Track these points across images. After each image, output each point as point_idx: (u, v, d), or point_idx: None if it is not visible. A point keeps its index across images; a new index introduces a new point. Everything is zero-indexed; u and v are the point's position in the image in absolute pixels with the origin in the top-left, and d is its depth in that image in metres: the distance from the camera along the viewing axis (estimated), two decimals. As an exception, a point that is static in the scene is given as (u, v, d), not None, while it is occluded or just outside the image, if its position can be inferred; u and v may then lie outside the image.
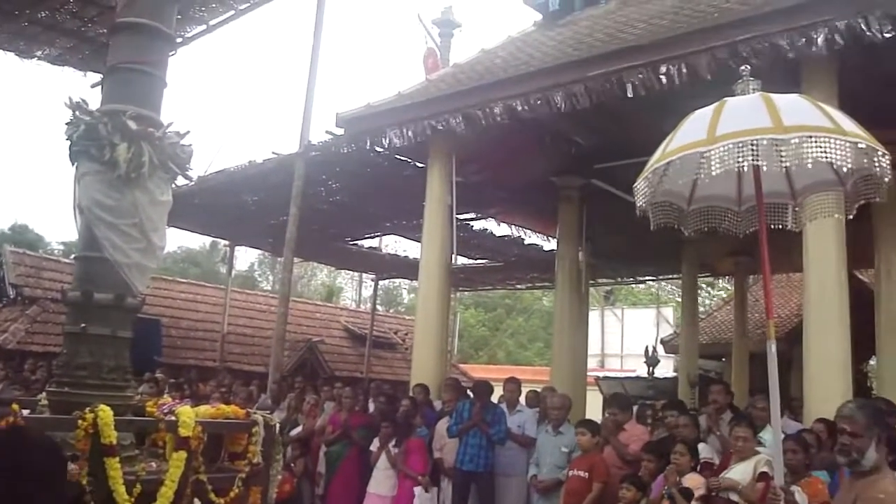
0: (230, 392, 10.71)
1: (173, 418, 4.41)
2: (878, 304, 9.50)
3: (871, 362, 12.22)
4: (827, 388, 6.78)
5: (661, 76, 7.34)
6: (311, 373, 17.20)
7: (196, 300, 19.64)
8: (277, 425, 5.11)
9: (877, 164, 3.53)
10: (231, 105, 69.96)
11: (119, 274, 4.93)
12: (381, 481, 8.73)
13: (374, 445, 8.83)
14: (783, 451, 4.84)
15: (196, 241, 39.88)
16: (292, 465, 9.08)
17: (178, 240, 40.72)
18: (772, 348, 4.01)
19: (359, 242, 17.59)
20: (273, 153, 12.26)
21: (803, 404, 7.28)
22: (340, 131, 10.55)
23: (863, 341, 9.88)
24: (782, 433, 5.11)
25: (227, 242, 18.24)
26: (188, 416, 4.41)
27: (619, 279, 21.26)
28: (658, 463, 6.58)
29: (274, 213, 13.89)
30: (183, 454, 4.30)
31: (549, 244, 15.37)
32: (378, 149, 10.47)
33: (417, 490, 8.44)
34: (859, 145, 3.43)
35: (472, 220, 14.65)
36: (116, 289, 4.91)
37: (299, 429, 9.42)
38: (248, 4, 10.82)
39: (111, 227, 4.92)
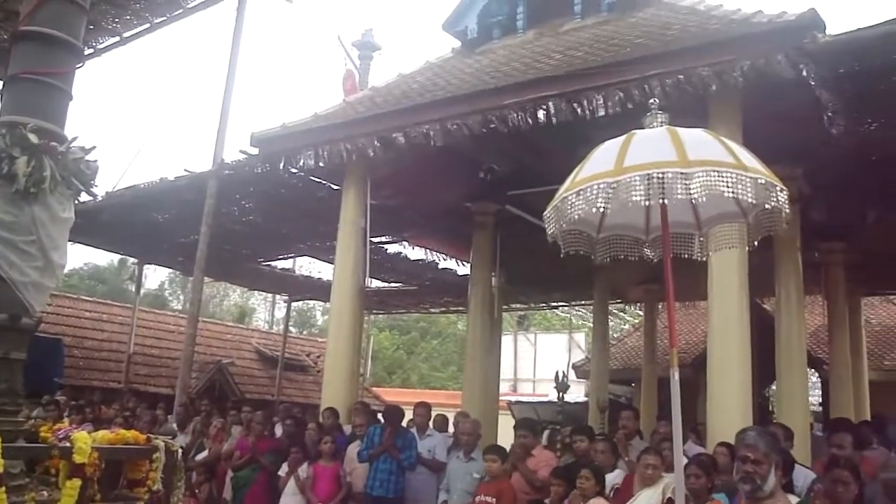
0: (134, 415, 10.38)
1: (68, 444, 4.23)
2: (779, 331, 9.83)
3: (773, 387, 12.67)
4: (729, 412, 6.96)
5: (575, 106, 7.48)
6: (220, 395, 16.81)
7: (102, 319, 19.01)
8: (180, 450, 4.95)
9: (776, 199, 3.66)
10: (145, 121, 68.43)
11: (14, 293, 4.72)
12: (289, 507, 8.57)
13: (283, 470, 8.66)
14: (686, 475, 4.97)
15: (104, 258, 38.81)
16: (197, 490, 8.84)
17: (85, 256, 39.59)
18: (675, 376, 4.11)
19: (272, 263, 17.37)
20: (185, 170, 12.02)
21: (705, 426, 7.48)
22: (255, 151, 10.40)
23: (764, 367, 10.23)
24: (685, 458, 5.25)
25: (135, 260, 17.75)
26: (84, 441, 4.23)
27: (532, 304, 21.54)
28: (566, 487, 6.64)
29: (185, 231, 13.62)
30: (77, 482, 4.12)
31: (464, 269, 15.47)
32: (293, 170, 10.39)
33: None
34: (759, 181, 3.56)
35: (386, 243, 14.64)
36: (11, 308, 4.70)
37: (205, 453, 9.18)
38: (164, 19, 10.65)
39: (7, 244, 4.71)
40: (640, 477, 5.88)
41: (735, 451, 6.14)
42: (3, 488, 3.83)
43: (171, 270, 29.76)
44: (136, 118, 67.11)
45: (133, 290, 18.79)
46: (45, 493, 4.37)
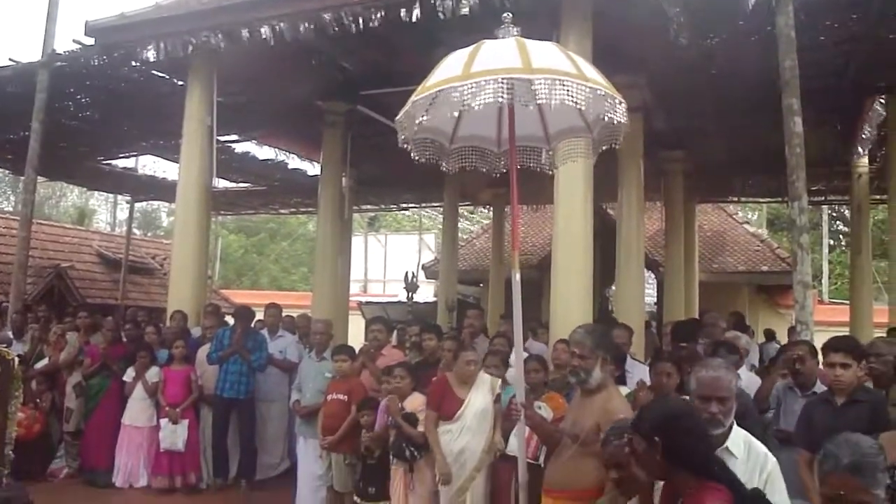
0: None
1: None
2: (620, 235, 10.35)
3: (613, 288, 13.40)
4: (572, 311, 7.33)
5: (431, 6, 7.34)
6: (59, 301, 16.07)
7: (-84, 223, 17.62)
8: (16, 359, 4.78)
9: (614, 110, 3.84)
10: (-40, 2, 62.15)
11: None
12: (138, 413, 8.48)
13: (129, 375, 8.52)
14: (525, 370, 5.26)
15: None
16: (38, 400, 8.57)
17: None
18: (516, 277, 4.36)
19: (113, 162, 16.52)
20: (11, 60, 11.10)
21: (547, 328, 7.87)
22: (91, 41, 9.75)
23: (606, 269, 10.80)
24: (526, 353, 5.54)
25: (-44, 159, 16.45)
26: (-89, 353, 4.02)
27: (383, 206, 21.61)
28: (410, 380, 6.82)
29: (13, 127, 12.72)
30: None
31: (314, 169, 15.29)
32: (133, 63, 9.85)
33: (163, 422, 8.28)
34: (598, 91, 3.72)
35: (234, 142, 14.25)
36: None
37: (45, 361, 8.86)
38: None
39: None
40: (460, 374, 5.97)
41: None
42: None
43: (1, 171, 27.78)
44: (-50, 0, 60.83)
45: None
46: None
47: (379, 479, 6.44)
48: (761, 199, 20.13)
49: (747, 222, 21.48)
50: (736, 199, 18.94)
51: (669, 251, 14.56)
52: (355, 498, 6.71)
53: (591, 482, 3.95)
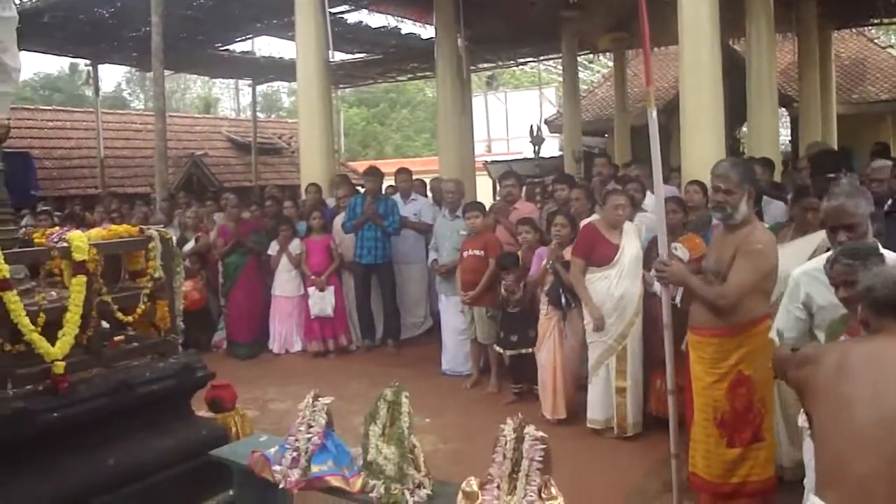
0: (121, 216, 10.44)
1: (65, 244, 4.30)
2: (749, 73, 9.83)
3: (744, 129, 12.83)
4: (702, 153, 7.12)
5: None
6: (198, 187, 16.86)
7: (66, 127, 18.60)
8: (174, 238, 5.06)
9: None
10: None
11: (-24, 103, 4.59)
12: (285, 283, 8.91)
13: (273, 249, 8.91)
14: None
15: (54, 66, 37.28)
16: (199, 276, 9.09)
17: (34, 66, 37.91)
18: (652, 115, 4.19)
19: (230, 48, 16.75)
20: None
21: (680, 172, 7.67)
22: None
23: (735, 109, 10.32)
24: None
25: (88, 62, 17.07)
26: (80, 240, 4.30)
27: (500, 63, 21.15)
28: (535, 234, 6.87)
29: (135, 23, 13.04)
30: (82, 278, 4.23)
31: (428, 32, 15.02)
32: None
33: (311, 290, 8.66)
34: None
35: (345, 12, 14.10)
36: (-25, 119, 4.59)
37: (191, 243, 9.34)
38: None
39: (-45, 54, 4.52)
40: (609, 220, 5.93)
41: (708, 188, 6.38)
42: (14, 292, 3.94)
43: (126, 70, 28.79)
44: None
45: (90, 94, 18.22)
46: (53, 293, 4.50)
47: (521, 328, 6.61)
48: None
49: (891, 46, 19.84)
50: (878, 20, 17.07)
51: (804, 85, 13.75)
52: (496, 347, 6.94)
53: (738, 319, 3.89)
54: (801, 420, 3.28)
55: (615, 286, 5.73)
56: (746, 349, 3.87)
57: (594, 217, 6.24)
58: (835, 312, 3.33)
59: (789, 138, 16.40)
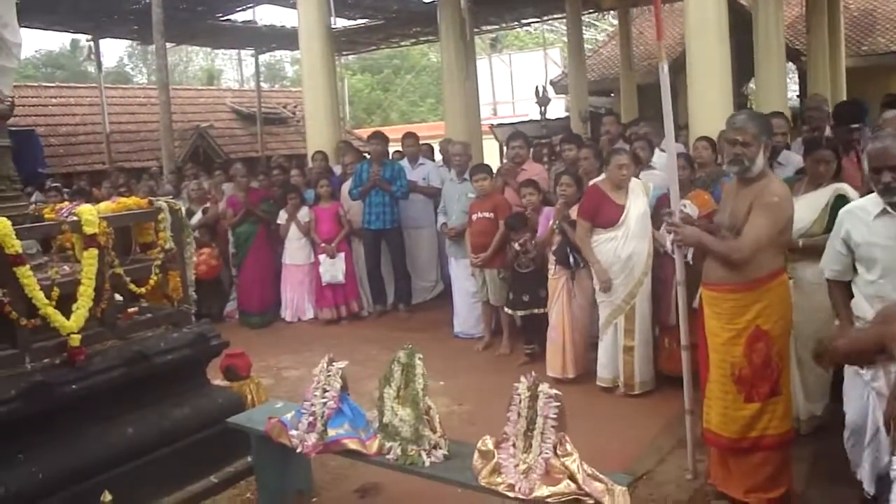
0: (129, 191, 10.44)
1: (75, 218, 4.32)
2: (756, 27, 9.70)
3: (751, 84, 12.69)
4: (710, 110, 7.08)
5: None
6: (205, 160, 16.84)
7: (70, 103, 18.55)
8: (183, 209, 5.07)
9: None
10: None
11: (-22, 80, 4.58)
12: (296, 252, 8.93)
13: (282, 218, 8.92)
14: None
15: (55, 42, 37.16)
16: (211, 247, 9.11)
17: (35, 43, 37.76)
18: (664, 68, 4.15)
19: (232, 18, 16.62)
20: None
21: (688, 128, 7.61)
22: None
23: (742, 64, 10.19)
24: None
25: (89, 37, 16.99)
26: (90, 213, 4.32)
27: (504, 24, 20.94)
28: (539, 196, 6.85)
29: (134, -4, 12.95)
30: (94, 251, 4.26)
31: (429, -5, 14.87)
32: None
33: (322, 258, 8.68)
34: None
35: (345, -22, 13.98)
36: (-22, 96, 4.58)
37: (199, 215, 9.34)
38: None
39: (-45, 32, 4.50)
40: (613, 180, 5.84)
41: (717, 144, 6.34)
42: (27, 267, 3.96)
43: (128, 44, 28.61)
44: None
45: (93, 70, 18.15)
46: (66, 267, 4.53)
47: (532, 289, 6.62)
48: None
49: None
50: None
51: (812, 38, 13.58)
52: (506, 309, 6.96)
53: (755, 274, 3.84)
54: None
55: (622, 247, 5.72)
56: (764, 304, 3.84)
57: (599, 178, 6.19)
58: (868, 251, 3.58)
59: (797, 93, 16.19)
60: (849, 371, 3.77)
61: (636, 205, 5.79)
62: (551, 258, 6.30)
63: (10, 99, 4.79)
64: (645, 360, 5.84)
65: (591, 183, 6.17)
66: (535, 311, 6.62)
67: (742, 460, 3.99)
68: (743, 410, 3.92)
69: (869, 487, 3.63)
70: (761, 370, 3.86)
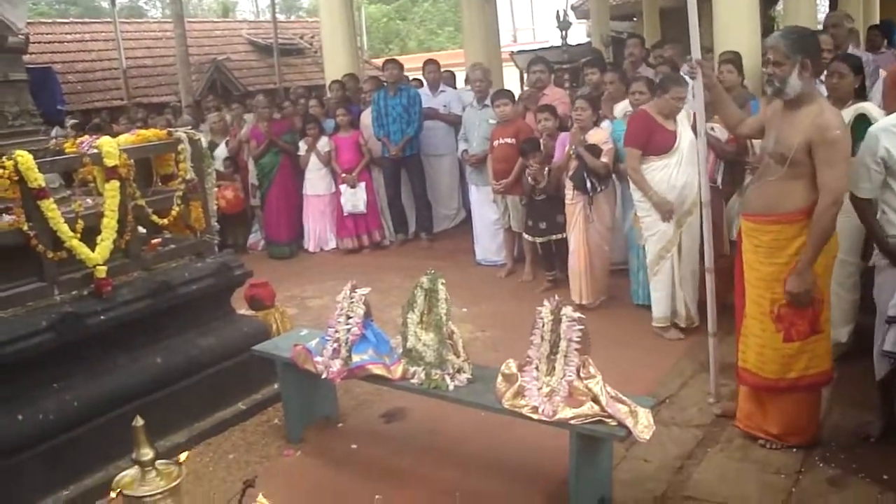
0: (146, 125, 10.42)
1: (96, 151, 4.32)
2: (785, -55, 9.36)
3: (779, 7, 12.30)
4: (736, 33, 6.89)
5: None
6: (223, 92, 16.72)
7: (85, 39, 18.37)
8: (203, 139, 5.05)
9: None
10: None
11: (-11, 15, 4.52)
12: (316, 182, 8.93)
13: (302, 149, 8.88)
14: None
15: (67, -22, 36.55)
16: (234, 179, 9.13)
17: (47, -22, 37.23)
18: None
19: (244, -54, 16.35)
20: None
21: (713, 51, 7.41)
22: None
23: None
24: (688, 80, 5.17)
25: (103, -31, 16.80)
26: (110, 145, 4.32)
27: (523, -54, 20.47)
28: (555, 121, 6.71)
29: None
30: (115, 183, 4.27)
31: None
32: None
33: (343, 187, 8.67)
34: None
35: None
36: (-8, 30, 4.53)
37: (222, 147, 9.32)
38: None
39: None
40: (666, 109, 5.52)
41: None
42: (51, 200, 3.98)
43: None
44: None
45: (106, 5, 17.95)
46: (88, 200, 4.56)
47: (549, 215, 6.59)
48: None
49: None
50: None
51: (844, -45, 13.04)
52: (525, 235, 6.94)
53: (799, 205, 3.61)
54: None
55: (676, 176, 5.43)
56: (807, 238, 3.61)
57: (648, 104, 5.91)
58: None
59: (827, 12, 15.71)
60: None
61: (686, 132, 5.52)
62: (568, 184, 6.23)
63: (24, 32, 4.75)
64: (693, 292, 5.61)
65: (639, 109, 5.83)
66: (554, 237, 6.60)
67: (779, 398, 3.86)
68: (782, 350, 3.74)
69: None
70: (802, 308, 3.66)
